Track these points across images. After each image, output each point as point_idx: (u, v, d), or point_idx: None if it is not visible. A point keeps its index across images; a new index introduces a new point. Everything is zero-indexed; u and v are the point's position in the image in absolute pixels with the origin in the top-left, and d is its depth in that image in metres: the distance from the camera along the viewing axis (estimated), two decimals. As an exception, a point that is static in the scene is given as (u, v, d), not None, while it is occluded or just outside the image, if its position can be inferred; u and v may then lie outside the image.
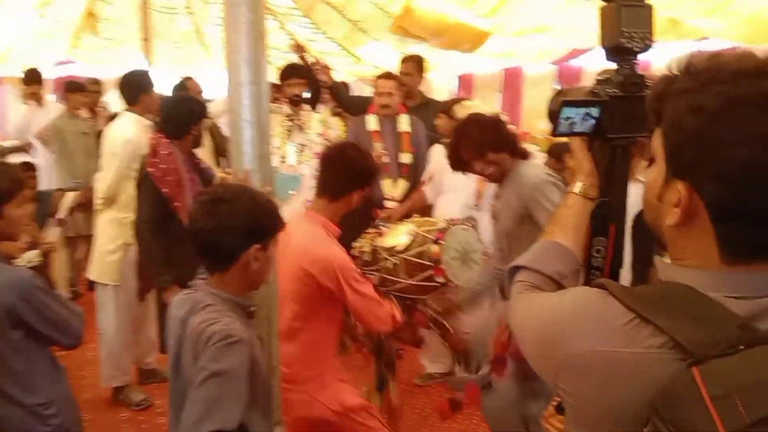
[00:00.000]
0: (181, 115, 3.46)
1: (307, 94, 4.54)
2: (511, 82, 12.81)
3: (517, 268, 1.29)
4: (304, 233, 2.48)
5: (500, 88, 13.26)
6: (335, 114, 5.76)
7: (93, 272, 3.99)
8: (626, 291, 0.95)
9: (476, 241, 3.15)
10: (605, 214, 1.32)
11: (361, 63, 12.03)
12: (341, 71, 12.82)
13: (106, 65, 12.41)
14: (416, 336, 3.53)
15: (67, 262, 5.14)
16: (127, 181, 3.72)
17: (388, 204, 4.21)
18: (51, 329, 2.24)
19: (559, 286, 1.22)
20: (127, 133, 3.80)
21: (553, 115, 1.24)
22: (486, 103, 13.65)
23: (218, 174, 3.58)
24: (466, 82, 13.67)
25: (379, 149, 4.30)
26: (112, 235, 3.86)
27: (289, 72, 4.59)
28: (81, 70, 13.29)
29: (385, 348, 3.16)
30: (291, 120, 4.48)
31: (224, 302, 1.77)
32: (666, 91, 0.98)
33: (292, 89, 4.51)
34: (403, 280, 3.07)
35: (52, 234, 4.24)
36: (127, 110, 4.00)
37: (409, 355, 3.84)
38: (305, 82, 4.59)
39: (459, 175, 3.80)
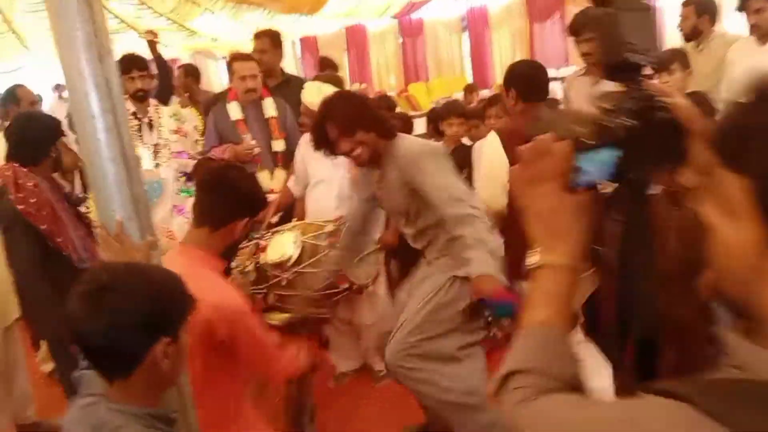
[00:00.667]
0: (36, 137, 2.90)
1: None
2: (355, 40, 12.65)
3: (507, 376, 0.96)
4: (185, 275, 1.97)
5: (345, 47, 13.09)
6: (186, 105, 5.27)
7: None
8: (725, 406, 0.66)
9: None
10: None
11: (196, 35, 11.29)
12: (176, 46, 12.01)
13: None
14: (321, 337, 3.35)
15: None
16: None
17: (271, 197, 3.86)
18: None
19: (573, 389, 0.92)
20: None
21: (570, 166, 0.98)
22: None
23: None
24: (308, 44, 13.32)
25: (248, 140, 3.92)
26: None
27: (128, 63, 3.94)
28: None
29: (299, 394, 2.86)
30: (138, 119, 3.87)
31: (137, 419, 1.34)
32: (746, 123, 0.75)
33: (134, 83, 3.88)
34: (301, 294, 2.83)
35: None
36: None
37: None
38: (148, 74, 4.06)
39: (328, 164, 3.57)
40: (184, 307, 1.42)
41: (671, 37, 6.44)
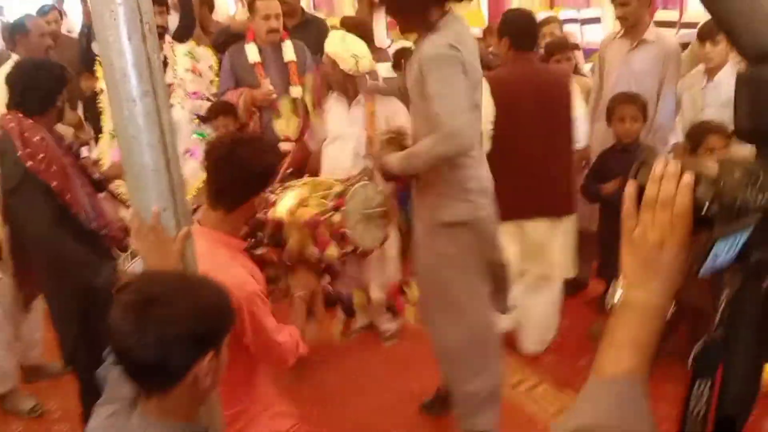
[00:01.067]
0: (44, 85, 2.65)
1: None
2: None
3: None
4: (203, 257, 1.88)
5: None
6: (201, 42, 5.02)
7: None
8: None
9: (376, 193, 2.86)
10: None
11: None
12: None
13: None
14: (345, 304, 3.31)
15: None
16: None
17: (284, 146, 3.73)
18: None
19: None
20: None
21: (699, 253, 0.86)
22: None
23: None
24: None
25: (267, 85, 3.75)
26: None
27: None
28: None
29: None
30: (152, 56, 3.71)
31: None
32: None
33: (155, 19, 3.72)
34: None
35: None
36: None
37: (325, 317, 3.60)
38: (165, 9, 3.85)
39: (345, 120, 3.44)
40: (229, 321, 1.38)
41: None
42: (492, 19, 10.92)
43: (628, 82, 3.38)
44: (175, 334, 1.24)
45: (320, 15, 10.54)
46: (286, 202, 2.90)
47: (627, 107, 3.11)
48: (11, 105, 2.68)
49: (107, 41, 1.41)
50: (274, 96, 3.75)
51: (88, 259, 2.61)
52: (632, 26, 3.46)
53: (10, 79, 2.70)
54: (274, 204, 2.92)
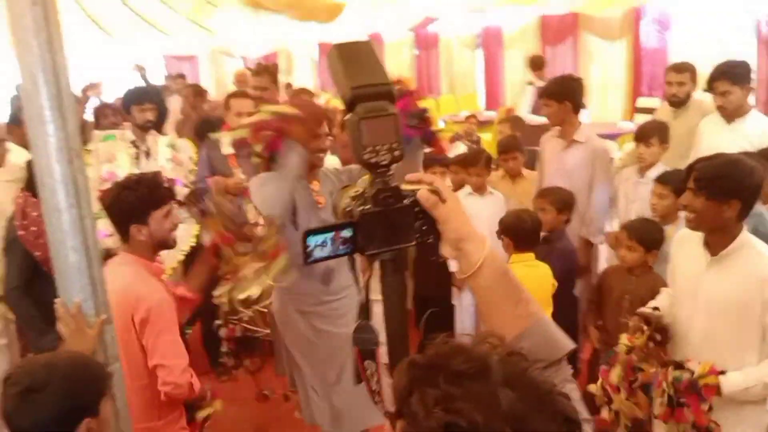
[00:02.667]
0: None
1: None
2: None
3: None
4: (123, 275, 2.37)
5: (361, 54, 13.17)
6: (182, 134, 5.46)
7: None
8: None
9: None
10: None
11: (215, 35, 11.52)
12: (196, 45, 12.26)
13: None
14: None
15: None
16: None
17: (257, 230, 4.06)
18: None
19: None
20: None
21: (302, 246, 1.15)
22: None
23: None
24: (327, 50, 13.42)
25: (238, 175, 4.11)
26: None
27: (141, 96, 4.17)
28: None
29: None
30: (136, 146, 4.11)
31: None
32: None
33: (144, 115, 4.10)
34: (262, 330, 3.07)
35: None
36: None
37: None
38: (156, 107, 4.28)
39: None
40: (102, 386, 1.68)
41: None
42: (487, 96, 11.47)
43: (561, 178, 3.67)
44: (48, 416, 1.55)
45: (328, 95, 11.12)
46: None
47: (539, 200, 3.41)
48: (24, 186, 3.22)
49: (40, 163, 1.74)
50: (245, 185, 4.08)
51: (35, 324, 3.08)
52: (563, 126, 3.79)
53: (28, 165, 3.19)
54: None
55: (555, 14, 10.44)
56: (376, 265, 1.21)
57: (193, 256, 4.09)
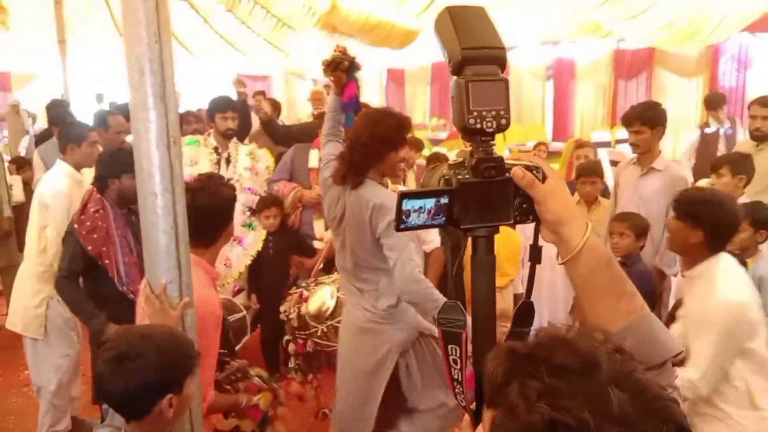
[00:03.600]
0: (102, 168, 3.26)
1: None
2: (440, 75, 12.91)
3: None
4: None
5: (428, 81, 13.38)
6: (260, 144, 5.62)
7: (17, 324, 3.79)
8: None
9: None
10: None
11: (289, 57, 11.84)
12: (270, 66, 12.62)
13: (18, 60, 11.84)
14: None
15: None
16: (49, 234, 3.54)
17: (317, 245, 4.14)
18: None
19: None
20: (62, 187, 3.62)
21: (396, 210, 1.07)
22: (415, 95, 13.75)
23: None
24: (395, 76, 13.70)
25: (317, 190, 4.17)
26: (36, 289, 3.69)
27: (225, 105, 4.34)
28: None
29: None
30: (218, 153, 4.27)
31: None
32: None
33: (226, 123, 4.27)
34: (335, 344, 3.05)
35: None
36: (60, 159, 3.79)
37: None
38: (239, 116, 4.49)
39: None
40: (190, 365, 1.74)
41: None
42: (556, 127, 11.37)
43: (636, 206, 3.60)
44: (137, 384, 1.63)
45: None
46: (317, 299, 3.19)
47: (617, 224, 3.34)
48: (93, 182, 3.33)
49: (140, 148, 1.83)
50: (320, 200, 4.15)
51: (82, 308, 3.21)
52: (643, 154, 3.72)
53: (97, 162, 3.39)
54: (306, 299, 3.24)
55: (629, 48, 10.34)
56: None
57: (259, 261, 4.18)
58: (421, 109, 13.23)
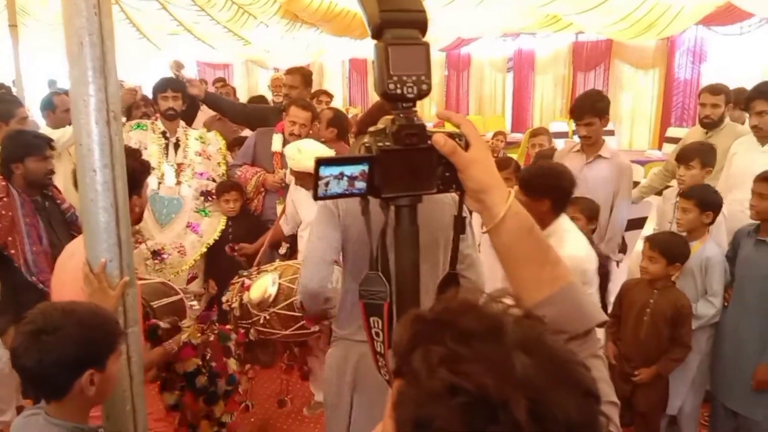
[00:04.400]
0: (6, 151, 3.09)
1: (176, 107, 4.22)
2: (403, 66, 12.88)
3: None
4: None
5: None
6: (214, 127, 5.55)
7: None
8: None
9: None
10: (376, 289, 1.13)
11: (250, 45, 11.73)
12: (230, 53, 12.48)
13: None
14: (302, 369, 3.52)
15: None
16: None
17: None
18: None
19: None
20: None
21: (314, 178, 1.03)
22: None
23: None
24: (357, 66, 13.65)
25: (280, 174, 4.10)
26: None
27: (164, 84, 4.24)
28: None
29: None
30: (166, 138, 4.15)
31: (68, 431, 1.63)
32: None
33: (167, 102, 4.16)
34: (278, 332, 3.02)
35: None
36: None
37: (298, 384, 3.81)
38: (180, 96, 4.34)
39: (314, 208, 3.74)
40: (113, 342, 1.67)
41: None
42: (515, 118, 11.47)
43: (582, 193, 3.60)
44: (54, 359, 1.56)
45: (355, 111, 11.22)
46: (258, 287, 3.15)
47: (572, 208, 3.36)
48: None
49: (79, 123, 1.79)
50: (284, 185, 4.13)
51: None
52: (589, 146, 3.76)
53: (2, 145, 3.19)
54: (248, 288, 3.19)
55: (588, 40, 10.48)
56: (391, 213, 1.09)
57: (218, 246, 4.13)
58: (383, 99, 13.23)
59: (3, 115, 3.63)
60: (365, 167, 1.03)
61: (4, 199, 3.01)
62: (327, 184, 1.02)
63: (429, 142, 1.04)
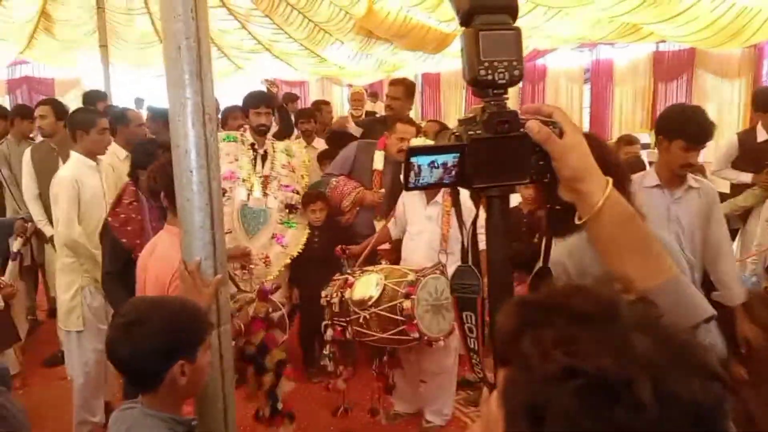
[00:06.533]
0: (134, 158, 3.28)
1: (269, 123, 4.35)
2: (476, 80, 12.80)
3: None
4: (164, 242, 2.44)
5: (464, 85, 13.30)
6: (297, 137, 5.68)
7: (59, 318, 3.87)
8: None
9: (447, 287, 3.09)
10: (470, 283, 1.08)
11: (325, 63, 11.93)
12: (305, 71, 12.74)
13: (61, 66, 12.15)
14: (388, 382, 3.50)
15: (24, 291, 4.97)
16: (74, 226, 3.58)
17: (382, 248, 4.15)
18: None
19: None
20: (65, 172, 3.71)
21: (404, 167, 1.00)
22: (451, 101, 13.71)
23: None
24: (430, 80, 13.66)
25: (379, 194, 4.20)
26: (68, 281, 3.69)
27: (257, 100, 4.33)
28: (35, 70, 13.03)
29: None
30: (254, 150, 4.25)
31: (162, 422, 1.68)
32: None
33: (259, 118, 4.25)
34: (375, 334, 3.03)
35: (11, 273, 4.07)
36: (73, 150, 3.85)
37: (378, 394, 3.79)
38: (272, 112, 4.41)
39: (423, 216, 3.75)
40: (202, 333, 1.74)
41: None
42: (592, 130, 11.19)
43: (675, 237, 3.14)
44: (146, 349, 1.64)
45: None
46: (362, 286, 3.18)
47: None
48: (129, 174, 3.34)
49: (176, 126, 1.85)
50: (380, 202, 4.19)
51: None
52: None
53: (132, 155, 3.39)
54: (351, 285, 3.24)
55: (670, 50, 10.16)
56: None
57: (303, 256, 4.20)
58: (456, 114, 13.18)
59: (84, 124, 3.80)
60: (456, 156, 1.01)
61: (134, 203, 3.16)
62: (418, 173, 1.01)
63: (522, 129, 1.01)
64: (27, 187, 4.67)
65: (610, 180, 1.01)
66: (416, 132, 4.21)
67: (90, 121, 3.79)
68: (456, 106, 13.38)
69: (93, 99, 6.39)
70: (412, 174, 1.00)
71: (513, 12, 1.04)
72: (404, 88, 4.96)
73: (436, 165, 1.01)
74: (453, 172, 1.02)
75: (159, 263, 2.30)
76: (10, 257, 4.35)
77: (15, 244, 4.40)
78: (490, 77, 1.00)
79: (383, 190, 4.21)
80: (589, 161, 1.02)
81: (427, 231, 3.71)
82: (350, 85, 12.90)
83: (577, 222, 1.04)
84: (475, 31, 1.00)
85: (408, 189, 1.03)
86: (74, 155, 3.79)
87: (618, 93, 10.96)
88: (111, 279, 3.19)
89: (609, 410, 0.62)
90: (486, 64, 1.00)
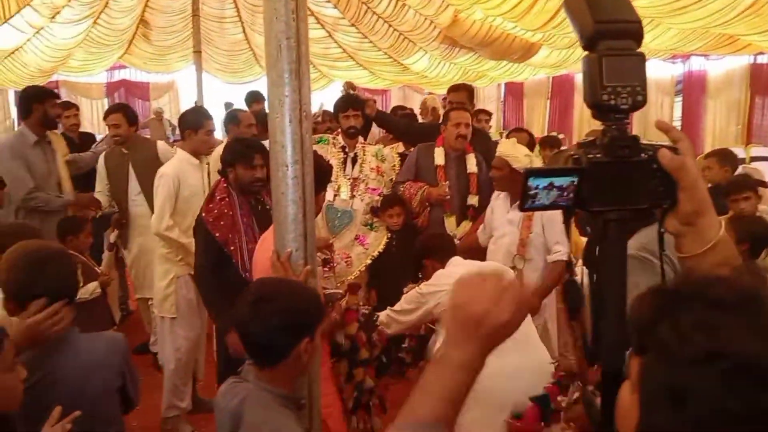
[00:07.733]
0: (224, 155, 3.36)
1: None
2: (560, 89, 12.66)
3: None
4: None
5: (548, 95, 13.14)
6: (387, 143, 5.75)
7: (155, 304, 4.08)
8: None
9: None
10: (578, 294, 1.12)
11: (408, 72, 12.03)
12: (388, 79, 12.88)
13: (158, 71, 12.77)
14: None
15: (116, 281, 5.22)
16: (163, 219, 3.77)
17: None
18: (134, 391, 2.25)
19: None
20: (167, 169, 3.88)
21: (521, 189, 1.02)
22: (535, 110, 13.56)
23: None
24: (513, 89, 13.57)
25: (444, 187, 4.21)
26: (164, 270, 3.89)
27: (346, 103, 4.46)
28: (132, 75, 13.75)
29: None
30: (345, 153, 4.36)
31: (276, 398, 1.76)
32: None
33: (348, 121, 4.36)
34: None
35: (107, 262, 4.32)
36: (179, 146, 4.06)
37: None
38: (360, 114, 4.48)
39: (504, 220, 3.73)
40: (319, 314, 1.85)
41: None
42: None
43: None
44: (278, 323, 1.73)
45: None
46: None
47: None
48: (219, 171, 3.40)
49: (274, 121, 1.92)
50: (448, 197, 4.21)
51: (213, 305, 3.23)
52: None
53: (222, 153, 3.46)
54: None
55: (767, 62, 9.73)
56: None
57: (382, 259, 4.26)
58: (539, 123, 13.01)
59: (193, 124, 3.97)
60: (574, 179, 1.02)
61: (226, 199, 3.27)
62: (535, 195, 1.03)
63: (643, 155, 1.02)
64: (100, 193, 4.81)
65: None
66: (471, 118, 4.19)
67: (199, 123, 3.97)
68: (539, 115, 13.21)
69: (252, 99, 6.83)
70: (528, 195, 1.03)
71: (638, 37, 1.06)
72: (466, 92, 4.99)
73: (553, 186, 1.03)
74: (569, 194, 1.03)
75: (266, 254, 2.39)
76: (106, 248, 4.60)
77: (111, 236, 4.64)
78: (612, 102, 1.02)
79: (448, 182, 4.21)
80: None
81: (508, 235, 3.68)
82: (431, 93, 12.97)
83: (679, 254, 1.06)
84: (598, 57, 1.02)
85: (523, 210, 1.06)
86: (179, 152, 3.99)
87: (711, 106, 10.57)
88: (203, 272, 3.30)
89: (756, 393, 0.64)
90: (609, 89, 1.02)
